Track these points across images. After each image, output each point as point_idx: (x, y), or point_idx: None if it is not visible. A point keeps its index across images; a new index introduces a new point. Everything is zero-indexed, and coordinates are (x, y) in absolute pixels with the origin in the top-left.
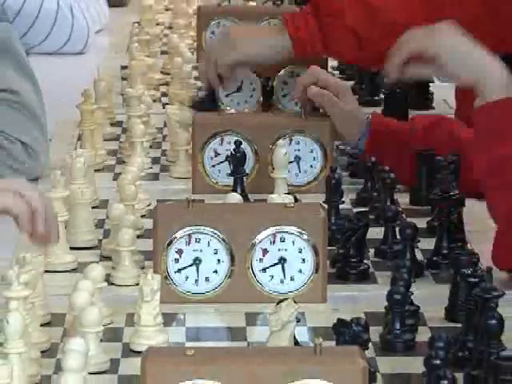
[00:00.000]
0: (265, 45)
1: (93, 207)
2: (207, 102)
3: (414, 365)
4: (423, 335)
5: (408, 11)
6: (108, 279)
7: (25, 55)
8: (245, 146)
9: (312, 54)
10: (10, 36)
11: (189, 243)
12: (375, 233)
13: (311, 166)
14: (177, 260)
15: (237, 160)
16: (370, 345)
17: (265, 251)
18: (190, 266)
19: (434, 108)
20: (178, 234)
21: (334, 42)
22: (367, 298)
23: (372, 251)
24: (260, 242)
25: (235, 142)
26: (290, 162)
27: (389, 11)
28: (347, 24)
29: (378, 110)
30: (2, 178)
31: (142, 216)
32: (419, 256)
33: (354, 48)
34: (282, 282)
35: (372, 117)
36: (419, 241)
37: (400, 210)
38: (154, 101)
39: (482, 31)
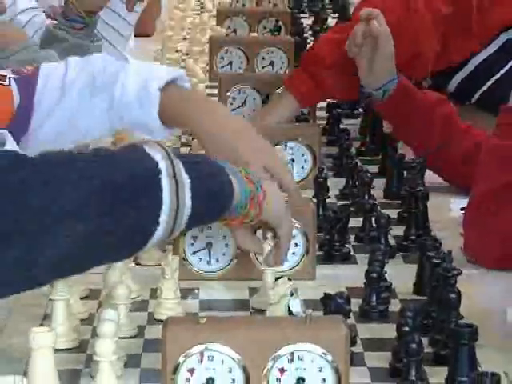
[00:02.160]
0: (280, 115)
1: None
2: None
3: (388, 331)
4: (395, 306)
5: None
6: (135, 260)
7: None
8: None
9: (318, 101)
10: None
11: (202, 230)
12: (355, 222)
13: (302, 167)
14: (192, 244)
15: None
16: (351, 314)
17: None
18: (203, 249)
19: None
20: None
21: (325, 85)
22: (349, 276)
23: (352, 237)
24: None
25: None
26: None
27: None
28: (327, 65)
29: (358, 120)
30: None
31: None
32: (391, 241)
33: (343, 84)
34: None
35: (399, 84)
36: (391, 229)
37: (376, 203)
38: None
39: None
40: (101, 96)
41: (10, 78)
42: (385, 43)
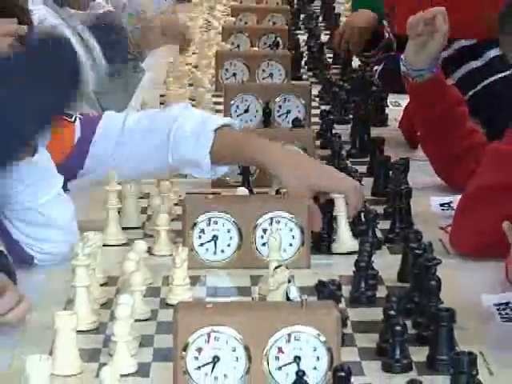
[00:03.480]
0: None
1: (139, 197)
2: None
3: (375, 314)
4: (381, 292)
5: None
6: (149, 251)
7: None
8: None
9: None
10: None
11: (209, 224)
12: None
13: None
14: (200, 237)
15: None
16: (343, 299)
17: (265, 230)
18: (210, 241)
19: (388, 125)
20: (200, 218)
21: None
22: (340, 265)
23: None
24: (261, 223)
25: None
26: None
27: None
28: None
29: (348, 126)
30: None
31: (175, 204)
32: (378, 234)
33: None
34: None
35: (433, 75)
36: (378, 223)
37: (364, 199)
38: None
39: None
40: (158, 133)
41: (76, 116)
42: (440, 39)
